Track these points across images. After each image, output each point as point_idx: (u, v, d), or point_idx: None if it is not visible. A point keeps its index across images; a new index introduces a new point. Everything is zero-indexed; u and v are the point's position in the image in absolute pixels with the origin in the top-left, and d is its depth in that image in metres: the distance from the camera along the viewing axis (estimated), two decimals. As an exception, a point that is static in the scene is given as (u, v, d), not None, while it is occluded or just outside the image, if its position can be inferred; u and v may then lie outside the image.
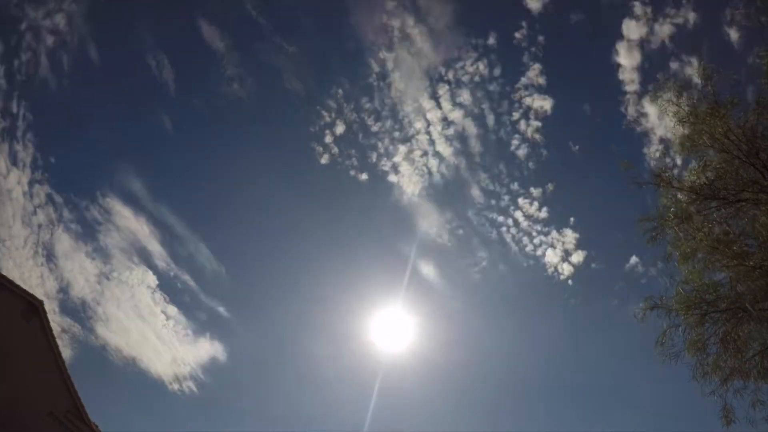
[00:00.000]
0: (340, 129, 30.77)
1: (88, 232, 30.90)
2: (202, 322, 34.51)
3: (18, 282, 15.53)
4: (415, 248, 34.36)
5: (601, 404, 35.58)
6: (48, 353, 16.02)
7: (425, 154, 31.10)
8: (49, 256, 29.96)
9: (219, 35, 30.42)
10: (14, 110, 27.53)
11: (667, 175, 9.90)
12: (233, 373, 36.32)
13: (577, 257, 30.89)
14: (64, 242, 30.40)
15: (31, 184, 28.81)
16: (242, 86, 32.22)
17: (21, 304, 15.65)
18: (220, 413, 37.17)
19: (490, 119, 30.21)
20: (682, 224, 9.52)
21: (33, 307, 15.83)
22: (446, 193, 32.63)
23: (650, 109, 26.23)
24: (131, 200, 31.57)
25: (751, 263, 8.65)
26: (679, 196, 9.66)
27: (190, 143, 34.24)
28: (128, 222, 31.55)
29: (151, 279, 32.55)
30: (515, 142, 30.22)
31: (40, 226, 29.39)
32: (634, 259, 29.64)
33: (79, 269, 31.27)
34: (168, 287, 33.55)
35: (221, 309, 34.63)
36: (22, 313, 15.68)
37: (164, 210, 33.02)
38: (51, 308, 16.31)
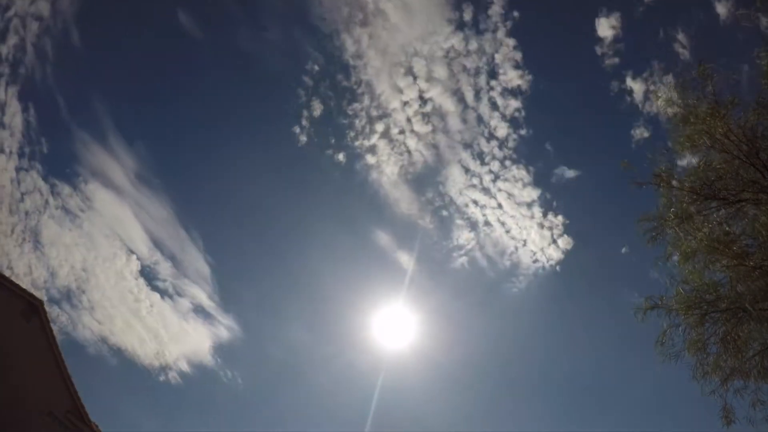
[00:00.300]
0: (317, 109, 30.67)
1: (72, 219, 31.10)
2: (185, 311, 34.50)
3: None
4: (395, 231, 34.13)
5: (592, 397, 35.33)
6: (48, 353, 16.04)
7: (403, 131, 30.80)
8: (36, 244, 30.11)
9: (195, 21, 30.64)
10: (1, 97, 27.77)
11: (666, 174, 9.90)
12: (218, 365, 36.27)
13: (565, 243, 30.61)
14: (50, 229, 30.57)
15: (18, 170, 28.98)
16: (219, 70, 32.52)
17: (21, 304, 15.66)
18: (205, 408, 37.15)
19: (469, 96, 29.83)
20: (682, 224, 9.53)
21: (33, 307, 15.85)
22: (427, 172, 32.20)
23: (634, 85, 26.05)
24: (114, 187, 31.89)
25: (751, 263, 8.66)
26: (676, 192, 9.67)
27: (172, 130, 34.62)
28: (112, 208, 31.85)
29: (135, 265, 32.75)
30: (494, 122, 29.78)
31: (27, 213, 29.49)
32: (624, 245, 29.42)
33: (65, 256, 31.41)
34: (152, 274, 33.74)
35: (204, 297, 34.61)
36: (22, 313, 15.69)
37: (147, 197, 33.17)
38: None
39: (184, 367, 34.21)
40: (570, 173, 30.51)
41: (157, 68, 32.60)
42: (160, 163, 34.46)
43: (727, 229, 9.24)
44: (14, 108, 28.08)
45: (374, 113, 30.58)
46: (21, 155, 28.93)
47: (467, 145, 30.69)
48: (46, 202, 30.10)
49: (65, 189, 30.81)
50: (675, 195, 9.81)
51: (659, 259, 10.07)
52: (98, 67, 31.87)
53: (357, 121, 30.97)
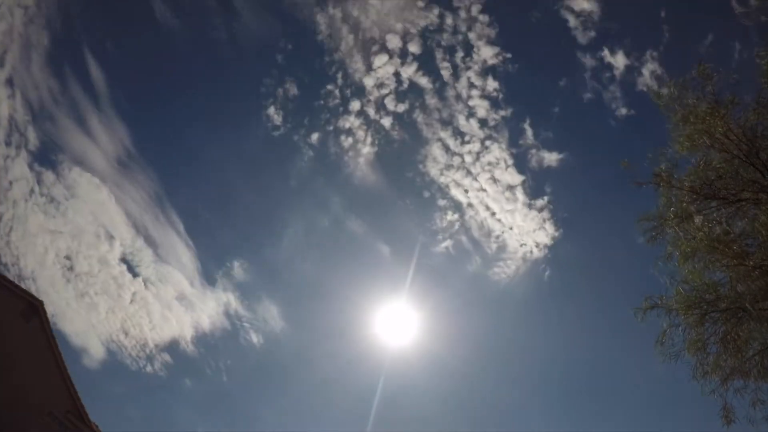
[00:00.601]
0: (291, 90, 30.63)
1: (56, 206, 31.30)
2: (167, 299, 34.39)
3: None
4: (374, 212, 33.74)
5: (590, 391, 34.87)
6: (48, 353, 16.04)
7: (379, 110, 30.43)
8: (24, 233, 30.16)
9: (170, 9, 30.82)
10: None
11: (666, 174, 9.88)
12: (201, 355, 36.08)
13: (552, 227, 30.00)
14: (36, 217, 30.68)
15: (5, 159, 29.12)
16: (195, 56, 32.80)
17: (21, 304, 15.67)
18: (191, 401, 36.96)
19: (446, 73, 29.33)
20: (682, 224, 9.52)
21: (33, 307, 15.86)
22: (405, 151, 31.70)
23: (613, 59, 25.55)
24: (97, 173, 32.29)
25: (751, 263, 8.64)
26: (676, 191, 9.65)
27: (152, 116, 35.01)
28: (94, 195, 32.01)
29: (117, 252, 32.83)
30: (473, 101, 29.23)
31: (14, 202, 29.57)
32: (612, 228, 28.99)
33: (50, 244, 31.44)
34: (134, 261, 33.77)
35: (186, 284, 34.55)
36: (22, 313, 15.70)
37: (128, 182, 33.50)
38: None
39: (168, 358, 34.19)
40: (553, 156, 29.92)
41: (137, 56, 33.18)
42: (141, 148, 34.69)
43: (727, 228, 9.23)
44: (0, 95, 28.22)
45: (348, 92, 30.38)
46: (8, 144, 29.12)
47: (446, 123, 30.14)
48: (32, 190, 30.32)
49: (50, 177, 31.06)
50: (675, 194, 9.80)
51: (659, 258, 10.07)
52: (80, 54, 32.25)
53: (331, 101, 30.74)
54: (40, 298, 15.98)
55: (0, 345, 15.00)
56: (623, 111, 26.79)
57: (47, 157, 31.59)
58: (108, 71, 32.05)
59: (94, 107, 31.96)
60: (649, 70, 25.79)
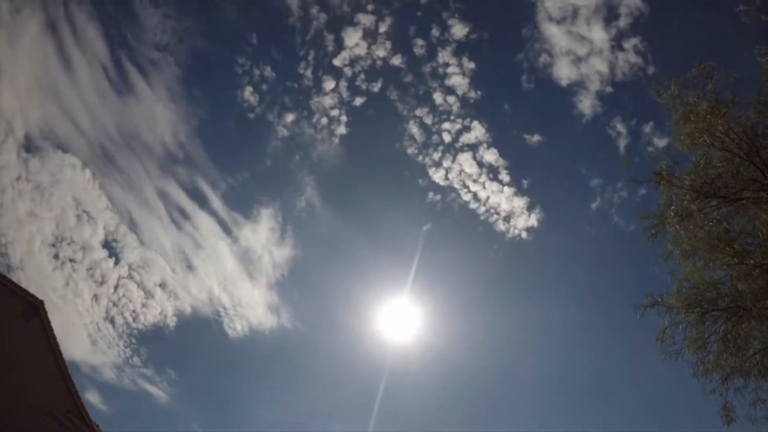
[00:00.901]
0: (265, 71, 30.92)
1: (42, 192, 31.77)
2: (150, 287, 34.32)
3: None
4: (351, 193, 33.72)
5: (588, 389, 34.63)
6: (48, 353, 16.03)
7: (351, 87, 30.45)
8: (12, 221, 30.37)
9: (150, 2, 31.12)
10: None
11: (666, 172, 9.87)
12: (186, 346, 36.04)
13: (535, 212, 30.11)
14: (24, 203, 30.86)
15: None
16: (175, 46, 33.32)
17: (21, 304, 15.66)
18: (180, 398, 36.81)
19: (420, 50, 29.39)
20: (682, 222, 9.51)
21: (33, 307, 15.84)
22: (382, 128, 31.82)
23: (593, 34, 25.02)
24: (82, 158, 32.85)
25: (751, 262, 8.63)
26: (676, 190, 9.64)
27: (136, 100, 35.24)
28: (79, 181, 32.45)
29: (100, 237, 33.20)
30: (449, 80, 29.19)
31: (2, 190, 29.81)
32: (594, 205, 28.65)
33: (36, 231, 31.51)
34: (117, 247, 34.21)
35: (168, 270, 34.53)
36: (22, 313, 15.69)
37: (111, 166, 34.09)
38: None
39: (152, 347, 34.38)
40: (535, 138, 29.70)
41: (117, 42, 33.94)
42: (122, 133, 35.12)
43: (727, 227, 9.22)
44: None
45: (321, 72, 30.59)
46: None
47: (422, 100, 29.98)
48: (19, 176, 30.69)
49: (36, 163, 31.57)
50: (675, 192, 9.80)
51: (659, 257, 10.07)
52: (64, 41, 32.66)
53: (307, 81, 30.99)
54: (32, 291, 15.94)
55: (0, 345, 15.00)
56: (608, 89, 26.65)
57: (33, 143, 31.98)
58: (90, 57, 32.49)
59: (78, 92, 32.43)
60: (631, 44, 25.56)
